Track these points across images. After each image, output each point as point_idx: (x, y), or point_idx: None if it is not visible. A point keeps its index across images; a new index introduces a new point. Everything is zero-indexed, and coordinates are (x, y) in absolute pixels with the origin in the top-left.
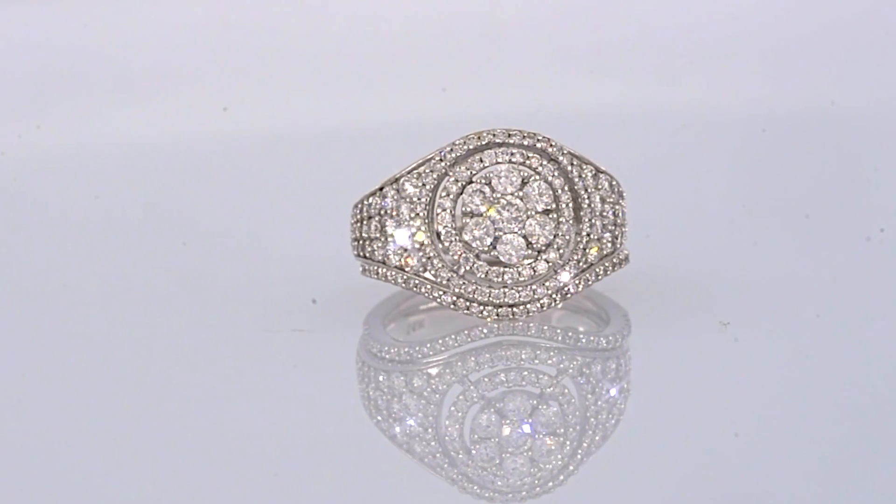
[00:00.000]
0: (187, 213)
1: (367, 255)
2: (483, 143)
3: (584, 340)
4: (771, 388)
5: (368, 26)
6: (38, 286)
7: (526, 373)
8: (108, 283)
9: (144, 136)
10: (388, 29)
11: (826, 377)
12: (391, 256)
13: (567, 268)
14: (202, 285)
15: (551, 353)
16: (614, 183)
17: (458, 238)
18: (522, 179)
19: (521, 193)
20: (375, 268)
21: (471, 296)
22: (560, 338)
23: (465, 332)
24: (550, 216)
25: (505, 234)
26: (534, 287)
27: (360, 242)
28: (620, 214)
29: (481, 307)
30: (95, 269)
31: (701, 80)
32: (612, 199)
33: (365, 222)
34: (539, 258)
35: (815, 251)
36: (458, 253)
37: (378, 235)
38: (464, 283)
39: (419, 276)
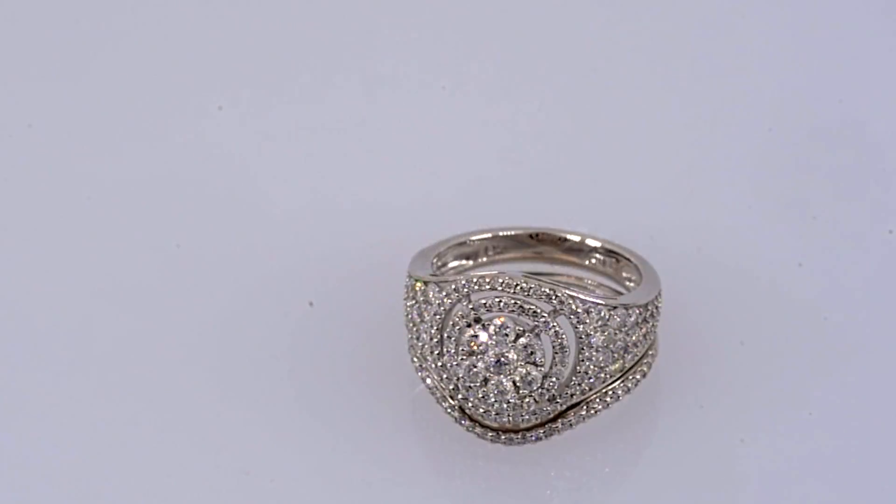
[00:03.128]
0: (184, 213)
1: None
2: (490, 287)
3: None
4: (787, 389)
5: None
6: (31, 288)
7: None
8: (102, 285)
9: (138, 133)
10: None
11: (837, 379)
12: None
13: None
14: (201, 289)
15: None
16: (634, 311)
17: (457, 366)
18: (517, 334)
19: (514, 345)
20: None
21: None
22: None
23: None
24: (539, 368)
25: (493, 377)
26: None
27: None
28: (637, 337)
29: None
30: (89, 270)
31: (704, 78)
32: (624, 330)
33: (409, 296)
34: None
35: (823, 252)
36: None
37: (407, 293)
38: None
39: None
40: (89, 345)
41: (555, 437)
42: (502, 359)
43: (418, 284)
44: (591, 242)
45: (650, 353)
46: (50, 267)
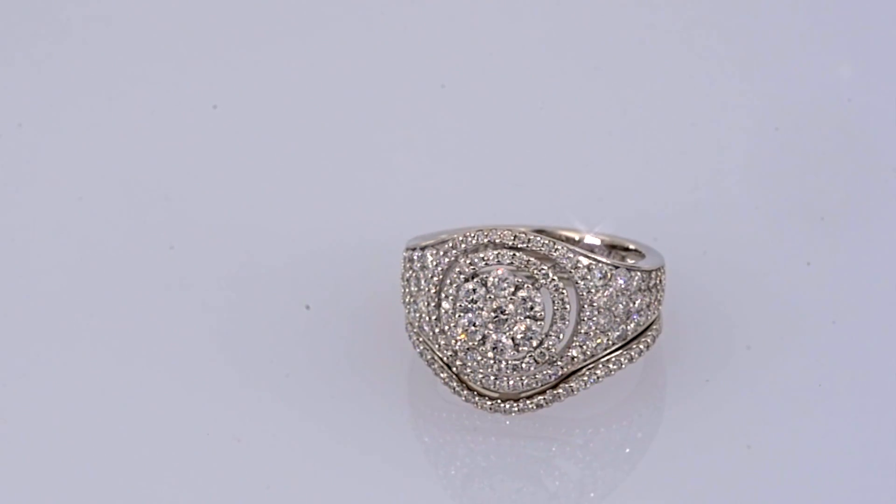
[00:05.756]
0: (179, 214)
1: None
2: (488, 240)
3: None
4: (793, 394)
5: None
6: (22, 291)
7: None
8: (94, 287)
9: (131, 133)
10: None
11: (841, 385)
12: (422, 282)
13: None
14: (199, 290)
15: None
16: (636, 274)
17: (455, 326)
18: (516, 286)
19: (513, 298)
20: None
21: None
22: None
23: None
24: (539, 323)
25: (492, 334)
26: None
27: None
28: (640, 304)
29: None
30: (81, 272)
31: (709, 76)
32: (627, 294)
33: (406, 268)
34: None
35: (831, 254)
36: (455, 340)
37: (405, 256)
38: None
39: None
40: (85, 345)
41: (556, 406)
42: (501, 313)
43: (416, 253)
44: (591, 240)
45: (654, 327)
46: (41, 268)
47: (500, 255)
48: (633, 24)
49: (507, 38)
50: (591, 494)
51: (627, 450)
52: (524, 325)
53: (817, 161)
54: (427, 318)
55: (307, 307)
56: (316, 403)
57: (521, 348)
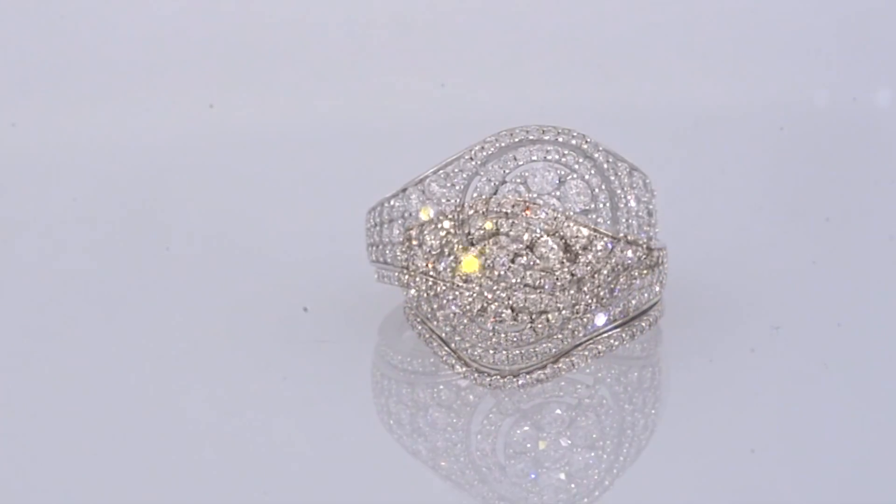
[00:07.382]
0: (175, 215)
1: (388, 260)
2: (516, 140)
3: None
4: (797, 398)
5: (363, 18)
6: (16, 292)
7: (563, 383)
8: (89, 290)
9: (127, 133)
10: (384, 21)
11: (847, 388)
12: (418, 260)
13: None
14: (194, 292)
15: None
16: (648, 181)
17: (453, 300)
18: (559, 178)
19: (558, 193)
20: (396, 274)
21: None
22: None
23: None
24: (589, 216)
25: (491, 304)
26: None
27: (380, 248)
28: (654, 213)
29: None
30: (76, 274)
31: (714, 76)
32: (645, 199)
33: (385, 226)
34: (578, 262)
35: (836, 255)
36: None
37: (402, 240)
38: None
39: (446, 282)
40: (80, 348)
41: (555, 390)
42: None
43: (413, 231)
44: None
45: (657, 307)
46: (39, 268)
47: (498, 223)
48: (635, 22)
49: (508, 37)
50: (592, 479)
51: (629, 434)
52: (523, 295)
53: (822, 161)
54: (425, 293)
55: (305, 309)
56: (314, 399)
57: (520, 316)
